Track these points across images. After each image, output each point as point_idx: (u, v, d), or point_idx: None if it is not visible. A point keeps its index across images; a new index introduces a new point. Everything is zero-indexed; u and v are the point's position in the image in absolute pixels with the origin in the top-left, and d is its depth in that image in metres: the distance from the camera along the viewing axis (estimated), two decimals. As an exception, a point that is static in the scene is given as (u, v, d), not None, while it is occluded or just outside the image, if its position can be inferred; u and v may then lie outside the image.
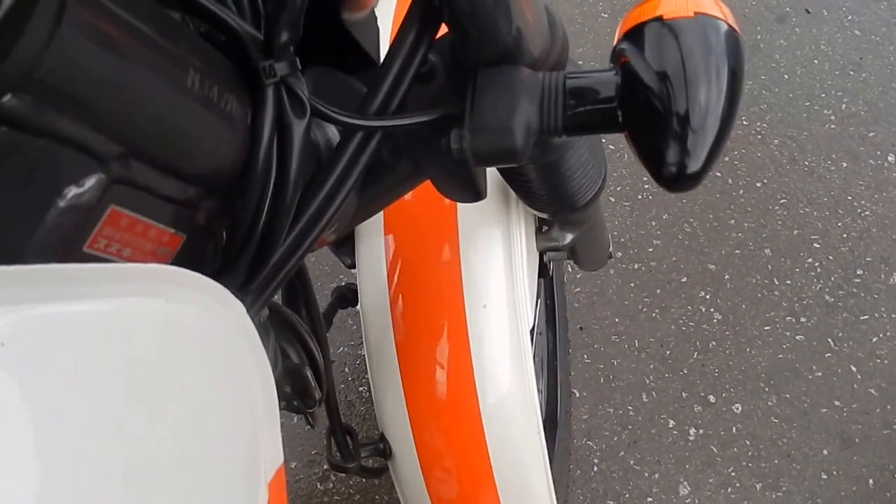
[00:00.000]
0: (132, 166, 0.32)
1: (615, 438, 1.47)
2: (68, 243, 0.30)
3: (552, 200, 0.70)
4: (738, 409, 1.50)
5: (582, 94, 0.45)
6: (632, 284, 1.64)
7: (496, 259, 0.76)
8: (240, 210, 0.40)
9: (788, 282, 1.65)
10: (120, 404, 0.25)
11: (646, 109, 0.43)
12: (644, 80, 0.42)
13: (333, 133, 0.50)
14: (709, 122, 0.41)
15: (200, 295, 0.31)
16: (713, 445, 1.46)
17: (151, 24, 0.32)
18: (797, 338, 1.58)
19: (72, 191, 0.29)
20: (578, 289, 1.63)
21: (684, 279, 1.64)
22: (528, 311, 0.77)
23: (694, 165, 0.41)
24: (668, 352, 1.56)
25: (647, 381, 1.53)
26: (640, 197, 1.74)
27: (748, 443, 1.47)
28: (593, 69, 0.46)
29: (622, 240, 1.69)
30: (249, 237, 0.40)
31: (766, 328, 1.59)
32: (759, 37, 2.02)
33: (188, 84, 0.34)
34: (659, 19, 0.43)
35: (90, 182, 0.30)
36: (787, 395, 1.51)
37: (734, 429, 1.48)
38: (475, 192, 0.53)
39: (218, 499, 0.31)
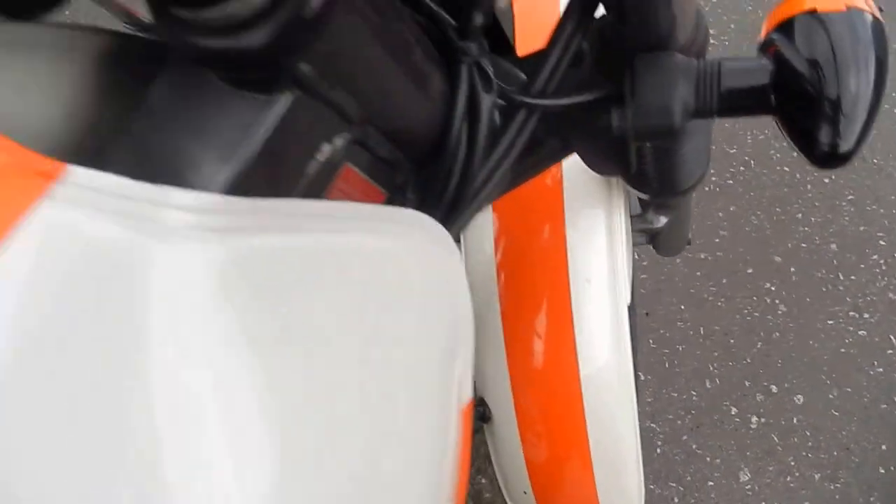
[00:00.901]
0: (367, 129, 0.37)
1: (678, 422, 1.51)
2: (314, 193, 0.35)
3: (660, 183, 0.74)
4: (799, 399, 1.53)
5: (737, 79, 0.48)
6: (698, 273, 1.67)
7: (599, 238, 0.80)
8: (432, 174, 0.44)
9: (853, 277, 1.66)
10: (356, 322, 0.30)
11: (798, 94, 0.46)
12: (796, 67, 0.46)
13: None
14: (859, 107, 0.44)
15: (433, 236, 0.36)
16: (774, 434, 1.49)
17: (393, 10, 0.36)
18: (860, 333, 1.60)
19: (326, 146, 0.34)
20: (645, 276, 1.66)
21: (750, 270, 1.67)
22: (626, 288, 0.80)
23: (846, 146, 0.45)
24: (732, 340, 1.59)
25: (711, 368, 1.56)
26: (707, 189, 1.77)
27: (808, 433, 1.49)
28: (745, 58, 0.49)
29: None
30: (440, 199, 0.44)
31: (830, 322, 1.61)
32: (831, 34, 2.02)
33: (416, 63, 0.39)
34: (811, 13, 0.46)
35: (339, 141, 0.35)
36: (848, 389, 1.54)
37: (795, 419, 1.51)
38: (627, 166, 0.57)
39: (427, 417, 0.35)
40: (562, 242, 0.80)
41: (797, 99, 0.46)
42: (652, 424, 1.50)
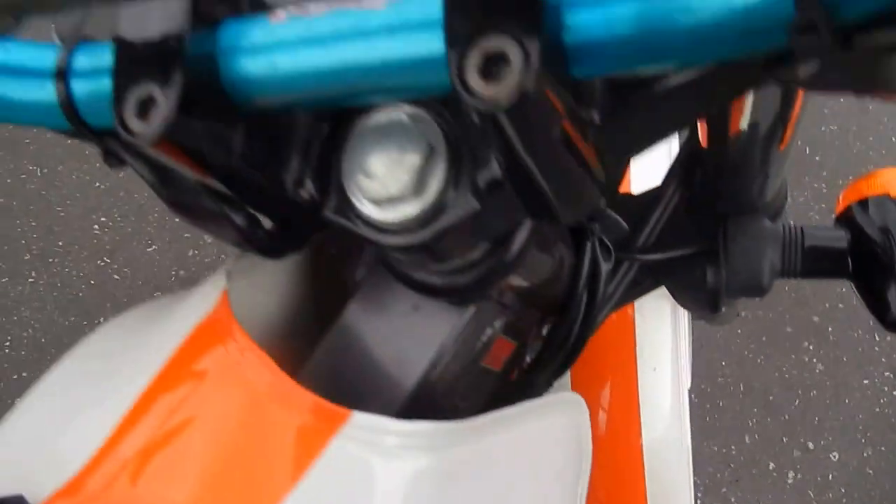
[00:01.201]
0: (515, 306, 0.44)
1: (718, 476, 1.58)
2: (475, 362, 0.42)
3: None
4: (834, 457, 1.59)
5: (818, 245, 0.54)
6: (739, 331, 1.74)
7: (665, 329, 0.87)
8: (555, 328, 0.51)
9: (889, 338, 1.72)
10: (520, 486, 0.39)
11: (872, 259, 0.51)
12: (870, 235, 0.51)
13: None
14: None
15: (573, 404, 0.44)
16: (810, 490, 1.56)
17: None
18: (894, 393, 1.66)
19: (489, 330, 0.42)
20: (688, 331, 1.73)
21: (789, 329, 1.74)
22: (687, 374, 0.88)
23: None
24: (771, 397, 1.66)
25: (750, 424, 1.63)
26: (749, 246, 1.83)
27: (843, 491, 1.56)
28: (824, 227, 0.55)
29: (731, 287, 1.78)
30: (561, 349, 0.51)
31: (865, 381, 1.68)
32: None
33: (555, 247, 0.46)
34: (885, 196, 0.52)
35: (498, 323, 0.42)
36: (882, 448, 1.60)
37: (830, 476, 1.57)
38: (716, 309, 0.63)
39: None
40: (630, 331, 0.87)
41: (872, 264, 0.51)
42: (693, 477, 1.56)
